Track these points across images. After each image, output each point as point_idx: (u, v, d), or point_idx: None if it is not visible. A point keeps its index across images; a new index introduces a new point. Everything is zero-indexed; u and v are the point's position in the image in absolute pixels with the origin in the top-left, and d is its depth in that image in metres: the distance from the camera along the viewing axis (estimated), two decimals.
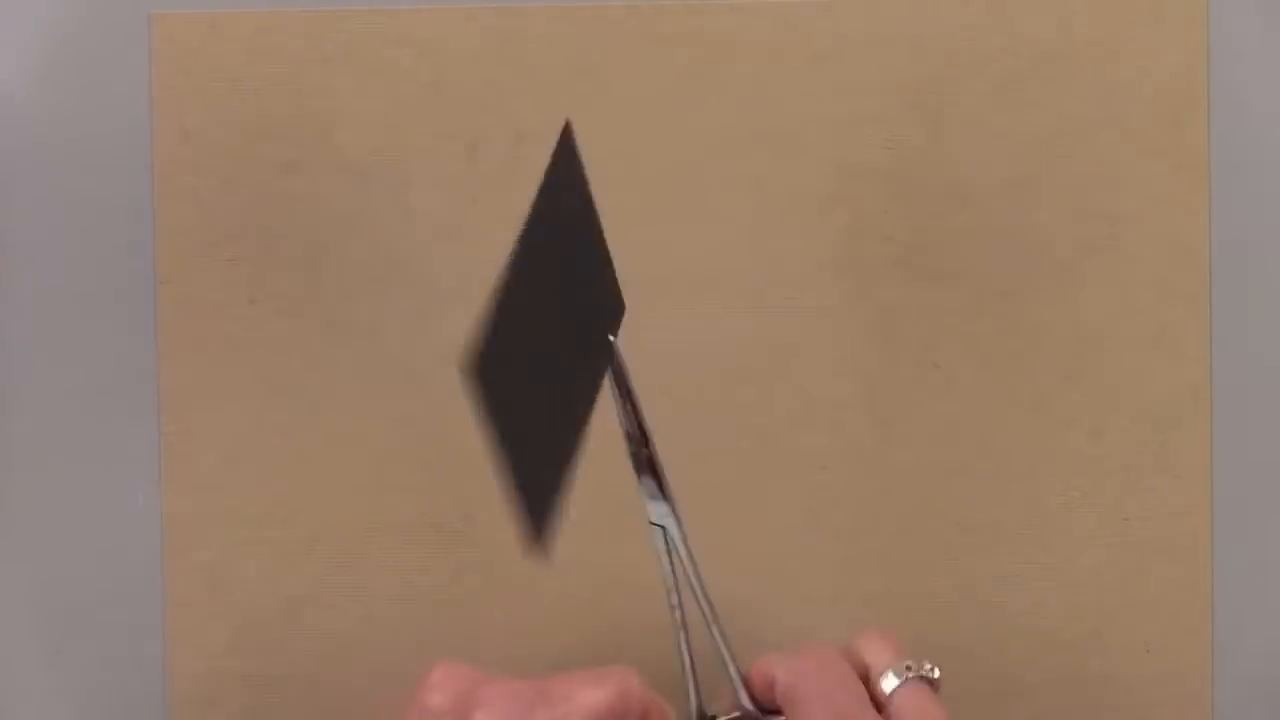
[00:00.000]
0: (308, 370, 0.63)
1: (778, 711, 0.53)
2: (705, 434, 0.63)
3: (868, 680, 0.52)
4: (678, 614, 0.54)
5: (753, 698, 0.54)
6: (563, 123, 0.52)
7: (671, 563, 0.54)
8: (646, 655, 0.63)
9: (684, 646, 0.54)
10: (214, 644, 0.63)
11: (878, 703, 0.52)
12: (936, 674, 0.53)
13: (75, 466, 0.64)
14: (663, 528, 0.54)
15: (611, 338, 0.53)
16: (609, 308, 0.54)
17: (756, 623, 0.63)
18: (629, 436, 0.54)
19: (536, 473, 0.48)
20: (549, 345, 0.50)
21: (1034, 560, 0.63)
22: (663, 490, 0.54)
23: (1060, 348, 0.63)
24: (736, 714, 0.54)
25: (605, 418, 0.53)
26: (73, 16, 0.63)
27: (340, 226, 0.63)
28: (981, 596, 0.63)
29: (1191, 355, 0.63)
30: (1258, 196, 0.63)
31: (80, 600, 0.64)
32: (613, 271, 0.54)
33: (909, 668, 0.52)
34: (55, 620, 0.64)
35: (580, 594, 0.63)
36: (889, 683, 0.52)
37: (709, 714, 0.54)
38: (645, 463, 0.54)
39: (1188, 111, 0.63)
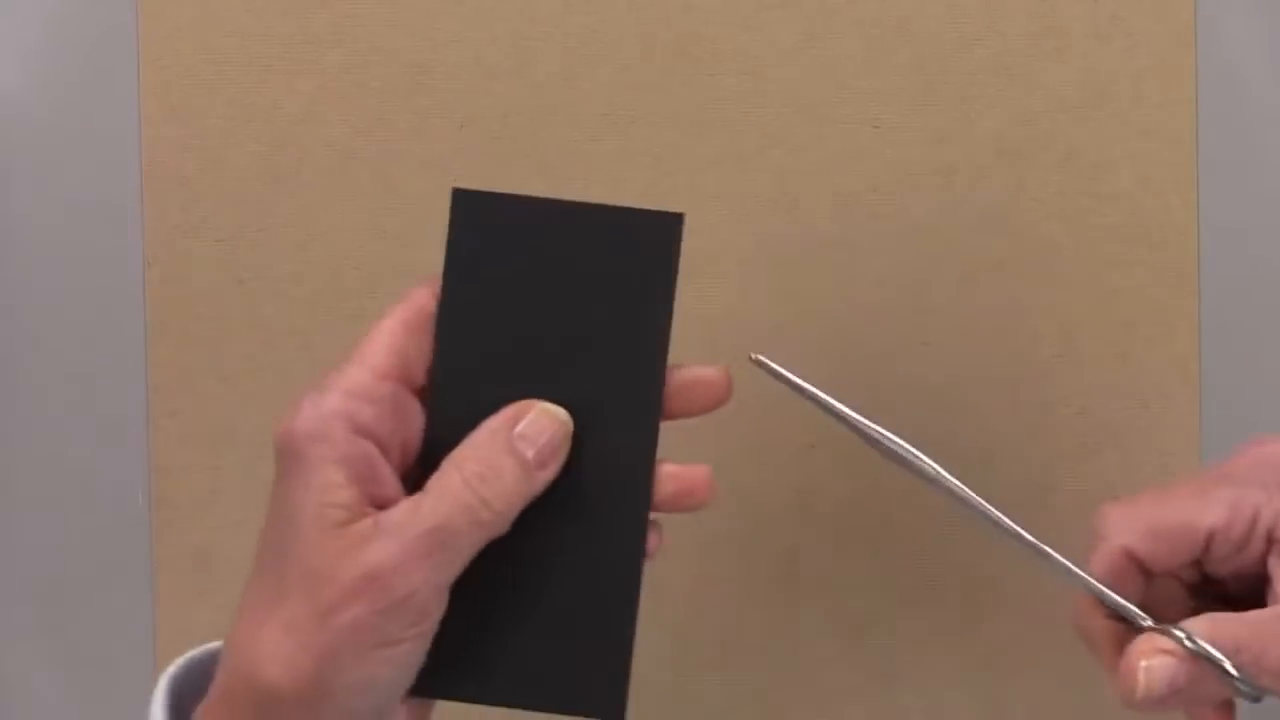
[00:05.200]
0: (297, 351, 0.63)
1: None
2: None
3: None
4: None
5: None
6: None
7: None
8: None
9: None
10: (202, 626, 0.63)
11: None
12: None
13: (64, 445, 0.64)
14: None
15: None
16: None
17: (741, 600, 0.63)
18: None
19: None
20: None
21: None
22: None
23: (1048, 325, 0.63)
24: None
25: None
26: None
27: (329, 206, 0.63)
28: (971, 574, 0.63)
29: (1180, 332, 0.63)
30: (1245, 175, 0.63)
31: (71, 579, 0.64)
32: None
33: None
34: (46, 599, 0.64)
35: None
36: None
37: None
38: None
39: (1176, 90, 0.63)
